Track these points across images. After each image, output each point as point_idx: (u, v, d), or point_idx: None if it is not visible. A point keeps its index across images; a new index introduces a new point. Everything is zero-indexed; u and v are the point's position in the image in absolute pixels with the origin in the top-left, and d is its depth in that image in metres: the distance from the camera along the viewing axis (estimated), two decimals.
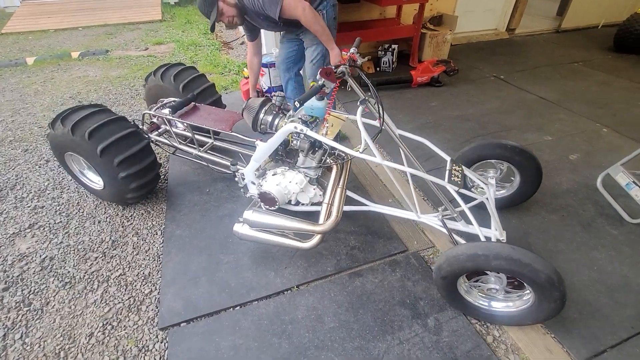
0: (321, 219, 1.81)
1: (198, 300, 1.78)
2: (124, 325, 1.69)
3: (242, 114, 2.05)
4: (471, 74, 4.27)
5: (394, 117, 3.38)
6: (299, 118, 1.87)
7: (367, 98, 1.68)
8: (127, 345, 1.61)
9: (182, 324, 1.69)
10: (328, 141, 1.76)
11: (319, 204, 1.97)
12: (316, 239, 1.80)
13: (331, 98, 1.92)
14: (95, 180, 2.36)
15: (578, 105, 3.48)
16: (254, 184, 2.17)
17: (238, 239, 1.91)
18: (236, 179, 2.22)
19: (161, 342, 1.62)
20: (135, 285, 1.89)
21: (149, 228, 2.26)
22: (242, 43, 5.97)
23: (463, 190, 1.66)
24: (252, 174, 2.13)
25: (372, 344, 1.57)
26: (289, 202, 2.04)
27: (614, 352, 1.52)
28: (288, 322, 1.67)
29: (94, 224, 2.29)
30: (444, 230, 1.87)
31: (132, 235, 2.20)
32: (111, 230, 2.24)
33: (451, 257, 1.49)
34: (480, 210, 1.86)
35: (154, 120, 2.58)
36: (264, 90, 3.80)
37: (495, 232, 1.75)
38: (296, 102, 1.51)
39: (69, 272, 1.97)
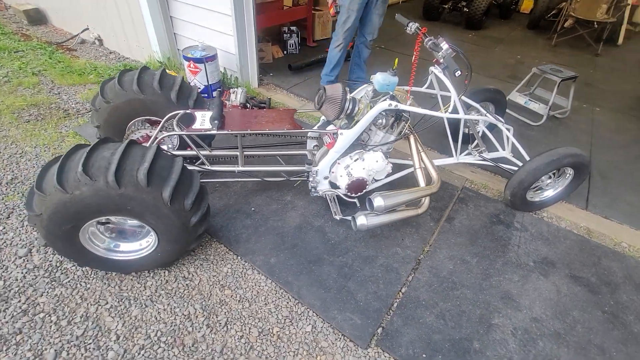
0: (422, 183, 2.00)
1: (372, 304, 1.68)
2: None
3: (320, 107, 1.88)
4: None
5: None
6: (384, 96, 1.91)
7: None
8: None
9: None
10: (421, 110, 1.93)
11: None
12: (427, 201, 1.98)
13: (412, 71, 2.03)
14: (134, 248, 1.63)
15: None
16: (326, 178, 2.08)
17: (364, 230, 1.85)
18: (310, 179, 2.05)
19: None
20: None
21: (233, 274, 1.80)
22: (82, 42, 4.59)
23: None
24: (329, 168, 2.03)
25: (504, 255, 1.98)
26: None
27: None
28: (451, 273, 1.86)
29: (159, 307, 1.62)
30: (483, 163, 2.42)
31: (224, 293, 1.71)
32: (202, 300, 1.65)
33: (531, 169, 2.04)
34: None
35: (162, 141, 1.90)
36: (199, 89, 3.25)
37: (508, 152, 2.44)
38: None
39: None
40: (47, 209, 1.33)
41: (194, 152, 1.98)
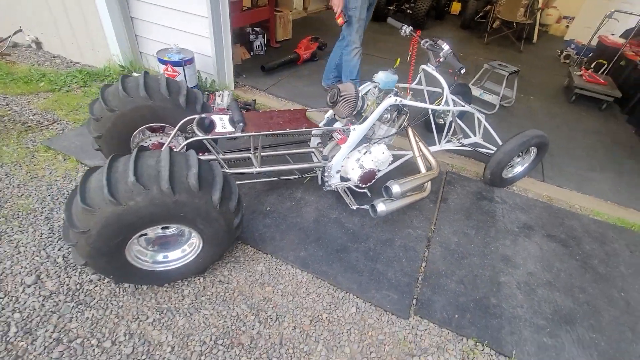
0: (423, 169, 2.24)
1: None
2: None
3: (334, 105, 2.00)
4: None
5: (314, 91, 3.79)
6: (388, 92, 2.10)
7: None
8: None
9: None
10: (421, 104, 2.16)
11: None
12: (429, 185, 2.23)
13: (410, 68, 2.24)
14: (178, 255, 1.59)
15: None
16: (337, 172, 2.21)
17: (383, 216, 2.02)
18: (325, 174, 2.17)
19: None
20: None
21: (268, 272, 1.84)
22: (14, 46, 4.07)
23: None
24: (341, 162, 2.17)
25: (494, 225, 2.32)
26: None
27: None
28: (458, 245, 2.12)
29: (204, 312, 1.60)
30: (462, 148, 2.76)
31: (265, 290, 1.75)
32: (246, 300, 1.67)
33: (507, 150, 2.41)
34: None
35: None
36: None
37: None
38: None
39: None
40: (96, 223, 1.26)
41: (211, 156, 1.97)
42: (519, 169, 2.69)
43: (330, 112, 2.30)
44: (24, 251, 1.76)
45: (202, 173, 1.42)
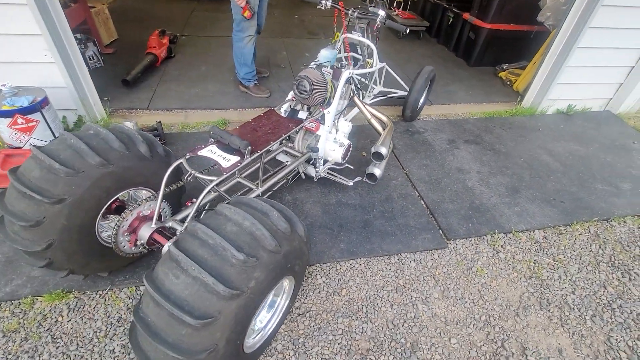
0: (379, 127, 2.51)
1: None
2: None
3: (309, 95, 1.91)
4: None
5: (206, 91, 3.46)
6: (335, 66, 2.17)
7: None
8: None
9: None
10: (367, 70, 2.34)
11: None
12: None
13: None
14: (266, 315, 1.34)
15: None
16: (321, 159, 2.23)
17: (380, 178, 2.20)
18: (316, 165, 2.14)
19: None
20: None
21: (329, 278, 1.79)
22: None
23: None
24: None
25: (434, 149, 2.87)
26: None
27: None
28: (428, 175, 2.56)
29: (311, 344, 1.46)
30: (378, 99, 3.14)
31: (342, 294, 1.72)
32: (335, 311, 1.58)
33: (418, 88, 2.92)
34: None
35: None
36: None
37: None
38: None
39: None
40: (226, 317, 0.97)
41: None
42: (421, 100, 3.29)
43: (288, 104, 2.20)
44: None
45: (283, 212, 1.24)
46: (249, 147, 1.55)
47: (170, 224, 1.50)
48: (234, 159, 1.55)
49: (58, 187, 1.24)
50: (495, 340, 1.62)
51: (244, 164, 1.56)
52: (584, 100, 3.59)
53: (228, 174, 1.49)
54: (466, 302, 1.78)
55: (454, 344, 1.60)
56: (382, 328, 1.62)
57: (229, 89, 3.43)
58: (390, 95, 3.17)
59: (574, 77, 3.32)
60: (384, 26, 2.34)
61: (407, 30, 2.29)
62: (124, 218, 1.39)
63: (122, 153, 1.38)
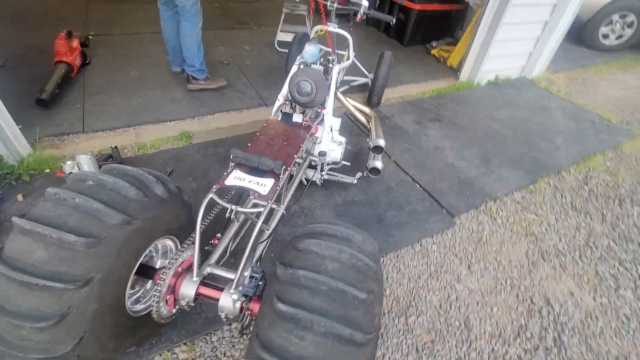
0: (363, 119, 2.52)
1: None
2: None
3: (313, 97, 1.78)
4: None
5: (151, 101, 3.03)
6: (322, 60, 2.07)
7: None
8: None
9: None
10: (348, 62, 2.28)
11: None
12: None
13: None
14: None
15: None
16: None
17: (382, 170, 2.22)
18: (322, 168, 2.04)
19: None
20: None
21: None
22: None
23: None
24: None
25: (408, 131, 2.99)
26: None
27: None
28: (413, 158, 2.66)
29: None
30: (344, 88, 3.10)
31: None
32: (402, 311, 1.56)
33: (383, 74, 2.97)
34: None
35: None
36: None
37: None
38: None
39: None
40: None
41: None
42: None
43: (279, 109, 2.02)
44: None
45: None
46: (283, 165, 1.38)
47: (208, 270, 1.27)
48: (268, 181, 1.36)
49: (80, 265, 0.94)
50: (525, 299, 1.82)
51: (280, 185, 1.39)
52: (507, 70, 4.11)
53: (272, 202, 1.31)
54: (490, 271, 1.94)
55: (496, 312, 1.74)
56: (435, 316, 1.68)
57: (177, 94, 3.01)
58: (352, 84, 3.16)
59: (500, 51, 3.75)
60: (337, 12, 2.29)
61: (394, 20, 2.28)
62: (162, 279, 1.13)
63: (141, 202, 1.10)
